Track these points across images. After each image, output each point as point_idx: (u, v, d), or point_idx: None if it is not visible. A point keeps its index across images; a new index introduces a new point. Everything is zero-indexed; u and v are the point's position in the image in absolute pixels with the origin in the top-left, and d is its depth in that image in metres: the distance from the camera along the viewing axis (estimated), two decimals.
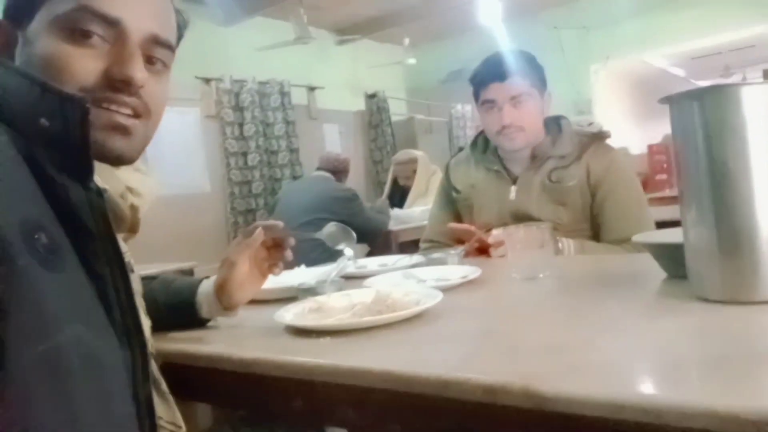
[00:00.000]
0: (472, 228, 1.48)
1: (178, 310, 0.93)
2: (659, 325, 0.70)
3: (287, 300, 1.04)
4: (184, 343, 0.87)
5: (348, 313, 0.86)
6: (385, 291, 0.90)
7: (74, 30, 0.62)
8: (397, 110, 6.06)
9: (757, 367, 0.54)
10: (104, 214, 0.58)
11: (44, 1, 0.63)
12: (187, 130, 4.04)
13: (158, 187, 0.81)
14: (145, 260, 0.74)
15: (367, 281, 1.13)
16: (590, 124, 1.58)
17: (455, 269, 1.17)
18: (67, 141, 0.55)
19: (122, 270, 0.60)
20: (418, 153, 4.23)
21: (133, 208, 0.74)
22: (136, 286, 0.72)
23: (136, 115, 0.67)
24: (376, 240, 3.40)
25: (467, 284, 1.05)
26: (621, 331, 0.70)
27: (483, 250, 1.46)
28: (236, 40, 4.53)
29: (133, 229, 0.75)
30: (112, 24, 0.63)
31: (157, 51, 0.68)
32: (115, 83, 0.63)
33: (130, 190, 0.74)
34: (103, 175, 0.68)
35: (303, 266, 1.36)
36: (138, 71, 0.64)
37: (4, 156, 0.51)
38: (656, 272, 0.95)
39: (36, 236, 0.48)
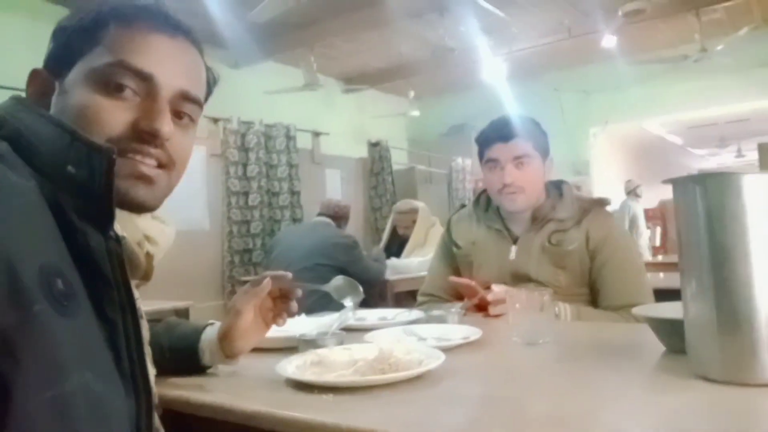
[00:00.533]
0: (473, 283, 1.50)
1: (181, 355, 0.94)
2: (659, 402, 0.71)
3: (287, 350, 1.05)
4: (184, 390, 0.87)
5: (350, 369, 0.86)
6: (387, 349, 0.91)
7: (108, 83, 0.65)
8: (399, 160, 6.17)
9: None
10: (121, 261, 0.60)
11: (83, 55, 0.67)
12: (192, 167, 4.04)
13: (174, 236, 0.82)
14: (141, 296, 0.75)
15: (368, 336, 1.14)
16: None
17: (456, 329, 1.18)
18: (92, 189, 0.57)
19: (134, 317, 0.61)
20: (419, 204, 4.27)
21: (149, 256, 0.76)
22: (145, 333, 0.72)
23: (161, 166, 0.69)
24: (373, 289, 3.40)
25: (468, 345, 1.06)
26: (621, 407, 0.71)
27: (481, 308, 1.47)
28: (246, 82, 4.64)
29: (146, 276, 0.76)
30: (145, 79, 0.67)
31: (186, 106, 0.71)
32: (143, 135, 0.66)
33: (147, 238, 0.76)
34: (122, 222, 0.69)
35: (303, 315, 1.36)
36: (165, 125, 0.67)
37: (29, 201, 0.52)
38: (654, 345, 0.96)
39: (53, 282, 0.49)
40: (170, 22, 0.70)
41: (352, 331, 1.24)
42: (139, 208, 0.69)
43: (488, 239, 1.62)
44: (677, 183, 0.79)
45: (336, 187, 5.48)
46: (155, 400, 0.70)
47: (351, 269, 2.93)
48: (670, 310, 0.94)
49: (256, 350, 1.00)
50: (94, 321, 0.55)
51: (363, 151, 5.91)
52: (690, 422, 0.64)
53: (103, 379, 0.53)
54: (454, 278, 1.58)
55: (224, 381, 0.93)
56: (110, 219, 0.60)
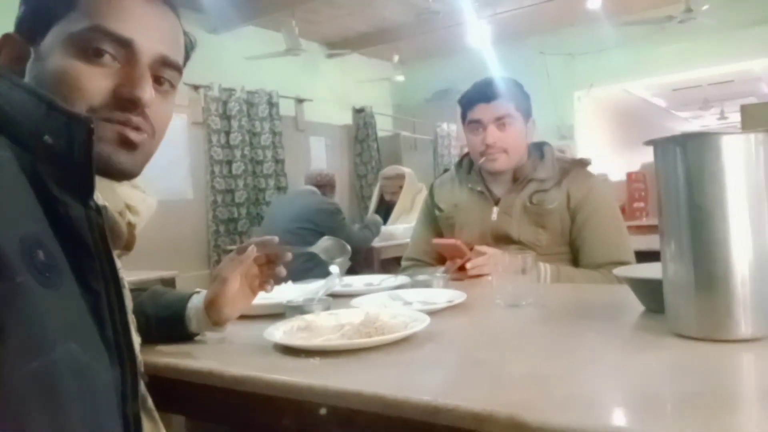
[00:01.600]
0: (459, 242, 1.50)
1: (168, 323, 0.94)
2: (637, 360, 0.74)
3: (274, 316, 1.06)
4: (171, 357, 0.88)
5: (337, 334, 0.88)
6: (373, 313, 0.92)
7: (87, 48, 0.64)
8: (383, 126, 6.12)
9: (728, 405, 0.57)
10: (102, 231, 0.59)
11: (58, 19, 0.65)
12: (173, 135, 4.00)
13: (155, 206, 0.82)
14: (125, 267, 0.74)
15: (354, 301, 1.15)
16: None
17: (441, 292, 1.19)
18: (71, 159, 0.56)
19: (117, 287, 0.60)
20: (405, 170, 4.27)
21: (130, 226, 0.75)
22: (128, 303, 0.72)
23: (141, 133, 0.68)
24: (358, 256, 3.42)
25: (452, 308, 1.08)
26: (601, 365, 0.73)
27: (463, 268, 1.48)
28: (227, 48, 4.55)
29: (128, 246, 0.76)
30: (124, 44, 0.65)
31: (166, 72, 0.70)
32: (124, 102, 0.65)
33: (128, 207, 0.75)
34: (104, 192, 0.69)
35: (290, 282, 1.37)
36: (147, 92, 0.66)
37: (6, 172, 0.51)
38: (634, 305, 0.98)
39: (35, 253, 0.49)
40: None
41: (339, 297, 1.25)
42: (120, 174, 0.68)
43: (470, 201, 1.63)
44: (657, 144, 0.80)
45: (321, 154, 5.44)
46: (140, 368, 0.70)
47: (334, 235, 2.94)
48: (650, 270, 0.96)
49: (244, 317, 1.01)
50: (77, 292, 0.55)
51: (347, 118, 5.85)
52: (666, 379, 0.66)
53: (87, 349, 0.53)
54: (437, 240, 1.59)
55: (212, 347, 0.94)
56: (90, 189, 0.59)
